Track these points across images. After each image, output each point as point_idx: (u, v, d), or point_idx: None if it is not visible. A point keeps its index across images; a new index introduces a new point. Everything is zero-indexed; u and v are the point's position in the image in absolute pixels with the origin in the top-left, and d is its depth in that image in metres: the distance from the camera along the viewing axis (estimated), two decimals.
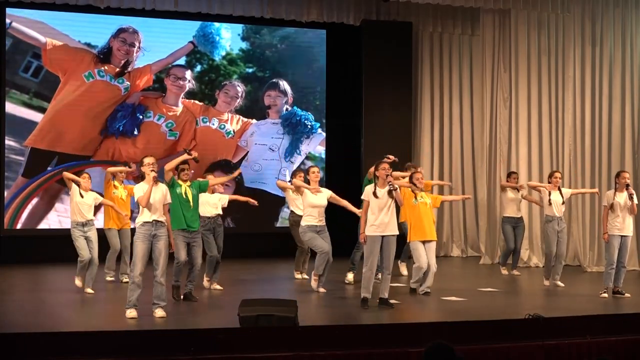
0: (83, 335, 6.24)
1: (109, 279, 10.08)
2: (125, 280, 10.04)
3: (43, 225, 12.58)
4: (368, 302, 8.23)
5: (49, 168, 12.58)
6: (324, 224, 9.39)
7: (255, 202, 10.21)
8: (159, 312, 7.56)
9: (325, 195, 9.39)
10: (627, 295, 9.22)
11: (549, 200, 10.04)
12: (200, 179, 9.22)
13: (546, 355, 6.48)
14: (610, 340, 6.72)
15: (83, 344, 5.96)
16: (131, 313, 7.50)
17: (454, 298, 8.98)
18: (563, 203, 10.15)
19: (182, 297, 8.68)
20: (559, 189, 10.16)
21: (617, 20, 12.53)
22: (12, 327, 7.09)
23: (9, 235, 12.49)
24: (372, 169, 9.36)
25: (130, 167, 10.37)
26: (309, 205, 9.30)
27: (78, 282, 9.32)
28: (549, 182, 10.23)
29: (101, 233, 9.86)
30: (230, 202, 10.09)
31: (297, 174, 10.16)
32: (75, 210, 9.32)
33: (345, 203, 9.42)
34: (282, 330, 6.46)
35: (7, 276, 10.87)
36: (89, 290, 9.19)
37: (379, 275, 8.88)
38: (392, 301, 8.37)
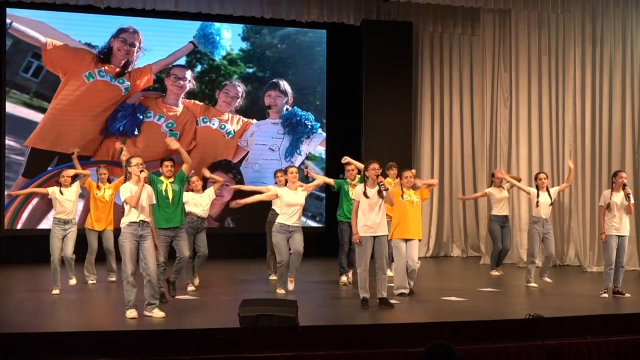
0: (83, 335, 6.23)
1: (90, 282, 9.90)
2: (110, 279, 10.08)
3: (43, 225, 12.58)
4: (368, 302, 8.22)
5: (49, 168, 12.59)
6: (299, 225, 9.23)
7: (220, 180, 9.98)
8: (157, 312, 7.55)
9: (302, 194, 9.28)
10: (627, 295, 9.22)
11: (537, 202, 10.02)
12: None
13: (546, 355, 6.47)
14: (610, 340, 6.71)
15: (83, 344, 5.96)
16: (131, 313, 7.49)
17: (454, 298, 8.98)
18: (551, 204, 10.14)
19: (167, 284, 8.68)
20: (547, 190, 10.14)
21: (617, 20, 12.53)
22: (12, 327, 7.08)
23: (9, 235, 12.50)
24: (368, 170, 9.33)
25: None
26: (286, 204, 9.18)
27: (56, 290, 9.08)
28: (536, 185, 10.19)
29: (82, 233, 9.90)
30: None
31: (278, 173, 10.18)
32: (57, 207, 9.36)
33: (318, 180, 9.55)
34: (282, 330, 6.46)
35: (7, 276, 10.88)
36: (72, 282, 9.43)
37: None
38: (392, 301, 8.36)
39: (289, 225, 9.15)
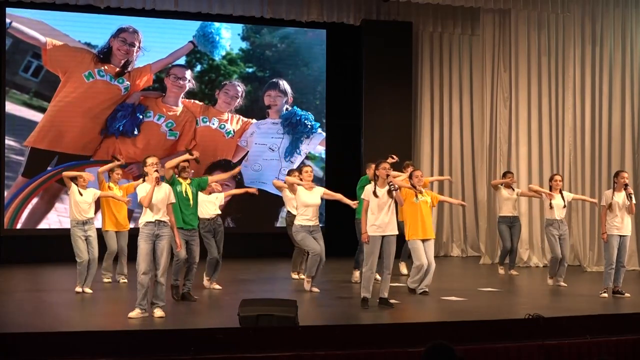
0: (83, 335, 6.23)
1: (106, 280, 9.96)
2: (122, 280, 10.02)
3: (43, 225, 12.58)
4: (368, 302, 8.22)
5: (49, 168, 12.59)
6: (318, 224, 9.35)
7: (255, 191, 10.26)
8: (158, 312, 7.55)
9: (318, 193, 9.35)
10: (627, 295, 9.21)
11: (550, 203, 10.04)
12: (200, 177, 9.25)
13: (546, 355, 6.48)
14: (610, 340, 6.71)
15: (83, 344, 5.96)
16: (136, 313, 7.48)
17: (454, 298, 8.98)
18: (564, 206, 10.15)
19: (181, 296, 8.67)
20: (560, 192, 10.16)
21: (617, 20, 12.54)
22: (12, 327, 7.08)
23: (9, 235, 12.50)
24: (370, 170, 9.33)
25: (119, 160, 10.30)
26: (302, 204, 9.25)
27: (79, 288, 9.08)
28: (550, 186, 10.23)
29: (99, 234, 9.84)
30: (230, 199, 10.03)
31: (292, 174, 10.16)
32: (75, 209, 9.22)
33: (339, 196, 9.47)
34: (282, 330, 6.46)
35: (7, 276, 10.87)
36: (87, 290, 9.15)
37: (377, 277, 8.87)
38: (392, 301, 8.36)
39: (309, 226, 9.25)
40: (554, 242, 10.06)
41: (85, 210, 9.22)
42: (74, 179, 9.31)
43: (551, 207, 10.04)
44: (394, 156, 9.73)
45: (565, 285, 10.07)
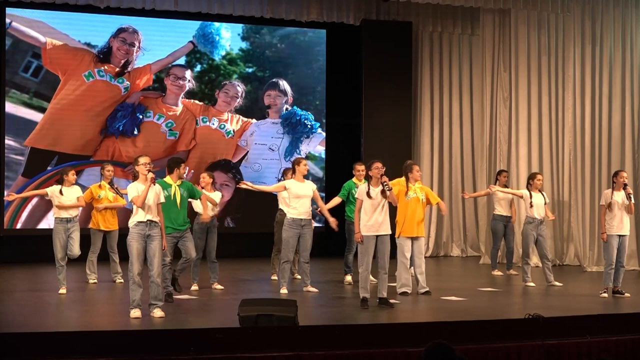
0: (83, 335, 6.23)
1: (91, 281, 9.86)
2: (118, 280, 9.99)
3: (43, 225, 12.57)
4: (368, 301, 8.22)
5: (48, 168, 12.59)
6: (310, 218, 9.33)
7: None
8: (158, 312, 7.54)
9: (310, 186, 9.33)
10: (627, 295, 9.22)
11: (531, 202, 10.06)
12: (196, 186, 9.12)
13: (546, 355, 6.48)
14: (610, 340, 6.72)
15: (83, 344, 5.96)
16: (135, 313, 7.47)
17: (454, 298, 8.98)
18: (546, 204, 10.19)
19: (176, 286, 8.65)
20: (540, 192, 10.21)
21: (617, 20, 12.54)
22: (12, 327, 7.09)
23: (9, 235, 12.50)
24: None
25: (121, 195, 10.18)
26: (294, 195, 9.20)
27: (63, 290, 9.03)
28: (528, 184, 10.28)
29: (86, 232, 9.83)
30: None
31: (287, 173, 10.24)
32: (59, 207, 9.23)
33: (322, 205, 9.45)
34: (282, 330, 6.46)
35: (7, 276, 10.88)
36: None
37: (372, 278, 8.84)
38: (391, 301, 8.37)
39: (301, 220, 9.20)
40: (530, 239, 10.12)
41: (69, 207, 9.20)
42: (59, 181, 9.35)
43: (532, 205, 10.07)
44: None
45: (560, 284, 10.07)
